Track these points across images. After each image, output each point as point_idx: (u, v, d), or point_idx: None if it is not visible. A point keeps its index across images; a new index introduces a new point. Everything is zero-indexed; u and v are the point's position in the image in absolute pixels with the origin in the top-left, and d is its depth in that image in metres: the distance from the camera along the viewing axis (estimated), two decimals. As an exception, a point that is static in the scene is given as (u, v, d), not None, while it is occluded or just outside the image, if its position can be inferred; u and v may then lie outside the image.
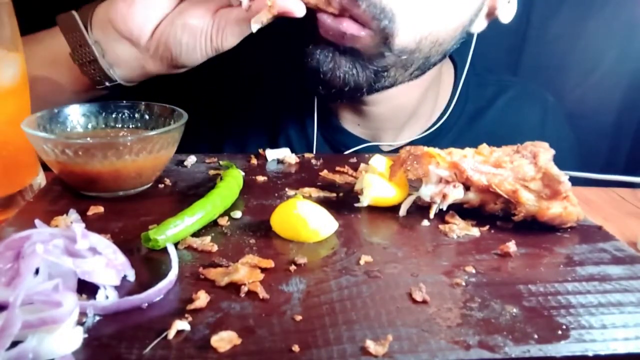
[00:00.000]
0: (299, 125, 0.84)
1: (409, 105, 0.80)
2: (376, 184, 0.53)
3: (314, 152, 0.82)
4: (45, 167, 0.59)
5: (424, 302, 0.38)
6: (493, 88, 0.88)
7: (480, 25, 0.74)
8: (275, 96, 0.86)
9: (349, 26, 0.63)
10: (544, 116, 0.90)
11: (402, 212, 0.53)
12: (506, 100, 0.87)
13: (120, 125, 0.62)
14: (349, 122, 0.83)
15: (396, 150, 0.81)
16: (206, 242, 0.45)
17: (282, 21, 0.60)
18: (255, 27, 0.60)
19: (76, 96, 0.70)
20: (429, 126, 0.84)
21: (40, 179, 0.62)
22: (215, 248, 0.45)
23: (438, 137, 0.83)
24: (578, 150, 0.94)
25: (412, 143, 0.82)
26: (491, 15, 0.74)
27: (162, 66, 0.66)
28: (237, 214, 0.51)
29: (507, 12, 0.74)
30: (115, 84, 0.68)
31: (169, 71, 0.68)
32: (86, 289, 0.38)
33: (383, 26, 0.63)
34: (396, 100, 0.77)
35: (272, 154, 0.69)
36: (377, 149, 0.82)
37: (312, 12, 0.62)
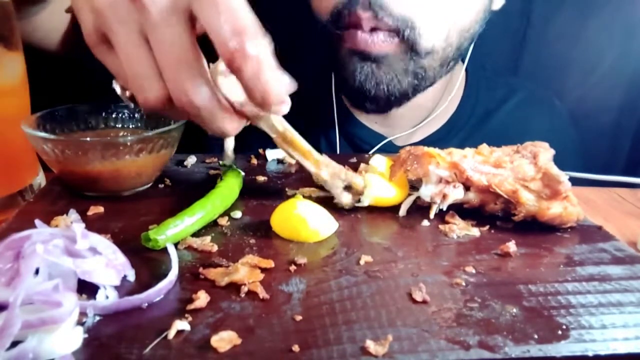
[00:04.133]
0: (320, 124, 0.85)
1: (425, 105, 0.82)
2: (376, 184, 0.53)
3: (337, 147, 0.84)
4: (45, 167, 0.59)
5: (424, 302, 0.38)
6: (502, 90, 0.89)
7: (498, 2, 0.77)
8: (294, 94, 0.86)
9: (381, 37, 0.67)
10: (551, 120, 0.91)
11: (402, 212, 0.53)
12: (515, 103, 0.89)
13: (120, 125, 0.62)
14: (367, 121, 0.85)
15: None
16: (206, 242, 0.45)
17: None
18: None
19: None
20: (441, 125, 0.85)
21: (40, 179, 0.62)
22: (215, 248, 0.45)
23: (448, 137, 0.84)
24: (583, 154, 0.94)
25: (423, 141, 0.83)
26: None
27: None
28: (237, 214, 0.51)
29: None
30: None
31: None
32: (86, 289, 0.38)
33: (406, 35, 0.66)
34: (414, 99, 0.79)
35: (272, 154, 0.69)
36: (391, 145, 0.83)
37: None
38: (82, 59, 0.75)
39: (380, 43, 0.67)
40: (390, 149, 0.82)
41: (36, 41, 0.75)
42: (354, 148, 0.85)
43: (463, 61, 0.88)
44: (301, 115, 0.85)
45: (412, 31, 0.66)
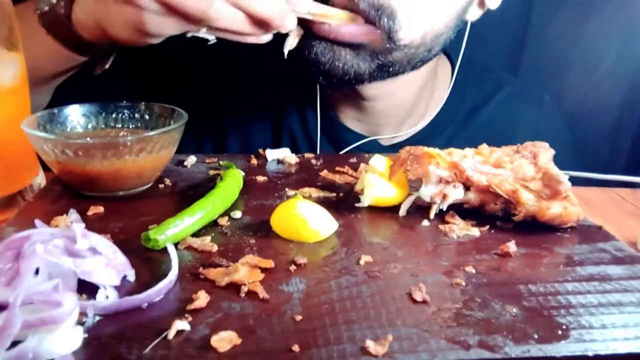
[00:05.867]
0: (301, 122, 0.85)
1: (407, 101, 0.81)
2: (376, 184, 0.53)
3: (317, 148, 0.82)
4: (45, 167, 0.59)
5: (424, 302, 0.38)
6: (490, 86, 0.89)
7: (474, 13, 0.75)
8: (277, 93, 0.86)
9: (347, 31, 0.64)
10: (539, 114, 0.90)
11: (402, 212, 0.53)
12: (502, 98, 0.88)
13: (120, 125, 0.62)
14: (349, 118, 0.84)
15: (395, 146, 0.82)
16: (206, 242, 0.45)
17: None
18: (286, 51, 0.62)
19: (53, 73, 0.69)
20: (427, 123, 0.84)
21: (40, 179, 0.62)
22: (215, 248, 0.45)
23: (435, 134, 0.84)
24: (575, 149, 0.94)
25: (410, 139, 0.83)
26: (483, 5, 0.75)
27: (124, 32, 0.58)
28: (237, 214, 0.51)
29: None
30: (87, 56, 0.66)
31: (133, 40, 0.59)
32: (86, 289, 0.38)
33: (385, 23, 0.64)
34: (396, 96, 0.78)
35: (272, 154, 0.69)
36: (376, 144, 0.83)
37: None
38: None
39: (355, 34, 0.64)
40: (376, 149, 0.81)
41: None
42: (335, 147, 0.84)
43: (449, 58, 0.87)
44: (282, 109, 0.85)
45: (392, 20, 0.64)
